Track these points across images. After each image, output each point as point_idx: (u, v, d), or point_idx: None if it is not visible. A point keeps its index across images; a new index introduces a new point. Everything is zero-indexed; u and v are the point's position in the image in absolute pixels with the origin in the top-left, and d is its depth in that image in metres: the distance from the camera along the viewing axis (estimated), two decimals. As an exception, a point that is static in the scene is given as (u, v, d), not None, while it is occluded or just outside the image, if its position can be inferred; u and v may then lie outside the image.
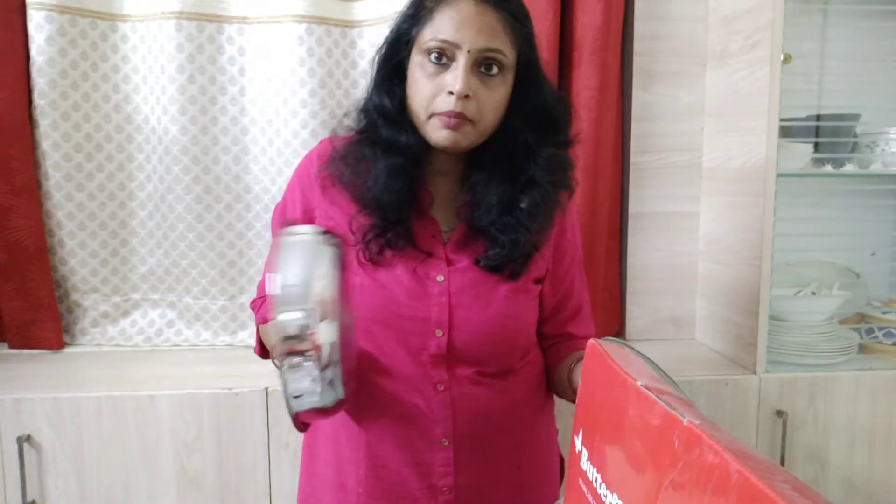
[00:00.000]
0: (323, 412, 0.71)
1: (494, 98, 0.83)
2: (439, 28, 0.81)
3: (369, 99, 0.90)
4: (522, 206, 0.87)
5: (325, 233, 0.73)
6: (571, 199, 0.96)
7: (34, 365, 1.40)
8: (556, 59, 1.47)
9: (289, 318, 0.67)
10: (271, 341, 0.86)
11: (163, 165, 1.47)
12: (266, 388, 1.24)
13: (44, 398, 1.20)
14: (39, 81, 1.39)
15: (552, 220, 0.92)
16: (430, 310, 0.87)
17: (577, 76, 1.47)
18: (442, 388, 0.88)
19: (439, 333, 0.87)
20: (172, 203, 1.47)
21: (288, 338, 0.68)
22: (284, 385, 0.70)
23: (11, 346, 1.47)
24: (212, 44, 1.45)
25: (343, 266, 0.75)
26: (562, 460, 1.07)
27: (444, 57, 0.81)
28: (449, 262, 0.89)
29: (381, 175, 0.86)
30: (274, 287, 0.68)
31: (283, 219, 0.98)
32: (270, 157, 1.49)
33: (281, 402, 1.24)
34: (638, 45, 1.57)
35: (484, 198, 0.88)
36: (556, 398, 1.06)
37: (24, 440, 1.18)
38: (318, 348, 0.68)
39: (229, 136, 1.49)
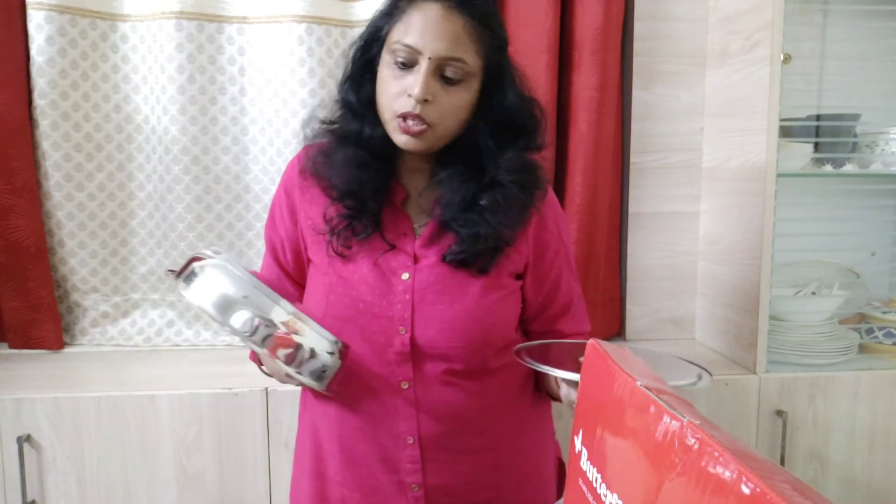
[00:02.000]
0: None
1: (455, 104, 0.85)
2: (406, 31, 0.83)
3: (340, 92, 0.93)
4: (482, 203, 0.88)
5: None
6: (546, 194, 0.96)
7: (34, 365, 1.40)
8: (556, 60, 1.47)
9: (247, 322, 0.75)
10: (269, 367, 0.89)
11: (163, 165, 1.47)
12: (266, 388, 1.24)
13: (44, 398, 1.20)
14: (39, 81, 1.39)
15: (523, 217, 0.91)
16: (393, 307, 0.88)
17: (577, 76, 1.47)
18: (406, 387, 0.89)
19: (402, 331, 0.88)
20: (172, 203, 1.47)
21: (266, 338, 0.76)
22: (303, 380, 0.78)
23: (11, 346, 1.47)
24: (212, 44, 1.45)
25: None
26: (561, 463, 1.06)
27: (407, 61, 0.83)
28: (416, 260, 0.90)
29: (339, 165, 0.89)
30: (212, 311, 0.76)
31: (273, 225, 1.00)
32: (270, 157, 1.49)
33: (281, 403, 1.25)
34: (638, 45, 1.57)
35: (447, 194, 0.89)
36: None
37: (24, 440, 1.18)
38: (294, 332, 0.77)
39: (229, 136, 1.49)
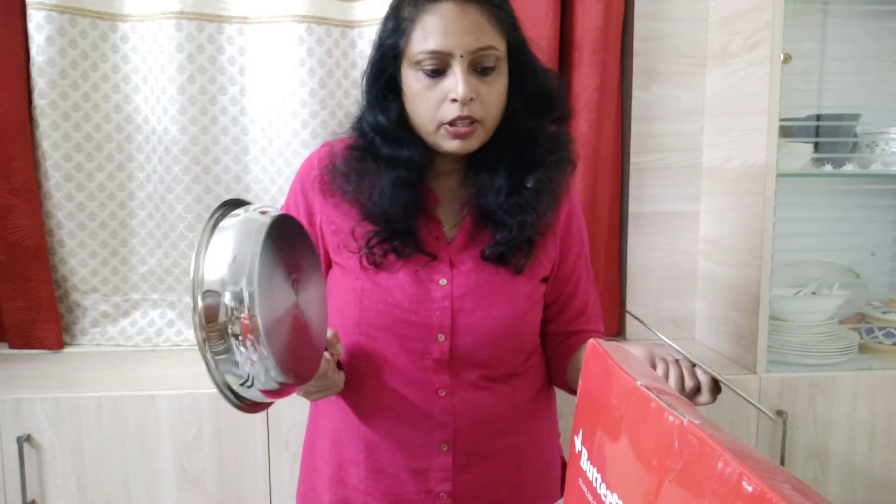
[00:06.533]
0: (272, 394, 0.68)
1: (496, 93, 0.83)
2: (426, 38, 0.80)
3: (363, 118, 0.89)
4: (529, 185, 0.87)
5: (263, 212, 0.69)
6: (573, 177, 0.96)
7: (34, 365, 1.40)
8: (556, 60, 1.48)
9: (210, 302, 0.63)
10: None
11: (163, 165, 1.47)
12: (266, 388, 1.24)
13: (44, 398, 1.20)
14: (39, 81, 1.39)
15: (558, 201, 0.92)
16: (432, 315, 0.87)
17: (577, 76, 1.47)
18: (443, 394, 0.88)
19: (441, 338, 0.87)
20: (172, 203, 1.47)
21: (211, 322, 0.63)
22: (219, 375, 0.66)
23: (11, 346, 1.47)
24: (212, 44, 1.45)
25: (289, 239, 0.70)
26: (564, 463, 1.06)
27: (438, 67, 0.80)
28: (452, 265, 0.88)
29: (386, 189, 0.85)
30: (195, 270, 0.64)
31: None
32: (270, 157, 1.49)
33: (281, 402, 1.24)
34: (638, 45, 1.57)
35: (492, 182, 0.87)
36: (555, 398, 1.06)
37: (24, 440, 1.18)
38: (250, 330, 0.63)
39: (229, 136, 1.48)
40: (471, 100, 0.80)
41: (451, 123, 0.81)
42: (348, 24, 1.49)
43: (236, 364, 0.65)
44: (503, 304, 0.88)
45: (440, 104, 0.81)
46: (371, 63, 0.87)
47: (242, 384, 0.67)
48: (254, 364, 0.65)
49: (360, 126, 0.90)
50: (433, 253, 0.88)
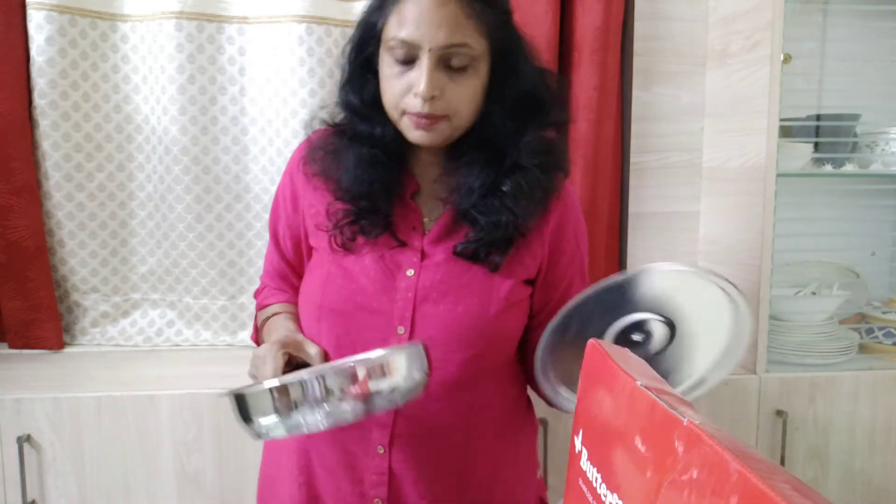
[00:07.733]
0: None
1: (465, 92, 0.80)
2: (400, 25, 0.78)
3: (341, 95, 0.89)
4: (505, 189, 0.83)
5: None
6: (566, 181, 0.91)
7: (34, 365, 1.40)
8: (556, 60, 1.48)
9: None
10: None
11: (163, 165, 1.47)
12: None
13: (44, 398, 1.20)
14: (39, 81, 1.39)
15: (544, 204, 0.87)
16: (393, 304, 0.84)
17: (577, 76, 1.47)
18: None
19: (401, 330, 0.84)
20: (172, 203, 1.47)
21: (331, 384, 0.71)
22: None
23: (11, 346, 1.47)
24: (212, 44, 1.45)
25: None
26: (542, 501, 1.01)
27: (407, 57, 0.79)
28: (424, 256, 0.86)
29: (350, 165, 0.85)
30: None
31: (276, 212, 0.98)
32: (270, 157, 1.49)
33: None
34: (638, 45, 1.57)
35: (466, 181, 0.84)
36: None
37: (24, 440, 1.18)
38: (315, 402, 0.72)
39: (229, 135, 1.48)
40: (433, 97, 0.78)
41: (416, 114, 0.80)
42: (348, 24, 1.49)
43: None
44: (473, 299, 0.84)
45: (405, 94, 0.80)
46: (353, 38, 0.86)
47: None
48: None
49: (338, 103, 0.90)
50: (405, 241, 0.86)
